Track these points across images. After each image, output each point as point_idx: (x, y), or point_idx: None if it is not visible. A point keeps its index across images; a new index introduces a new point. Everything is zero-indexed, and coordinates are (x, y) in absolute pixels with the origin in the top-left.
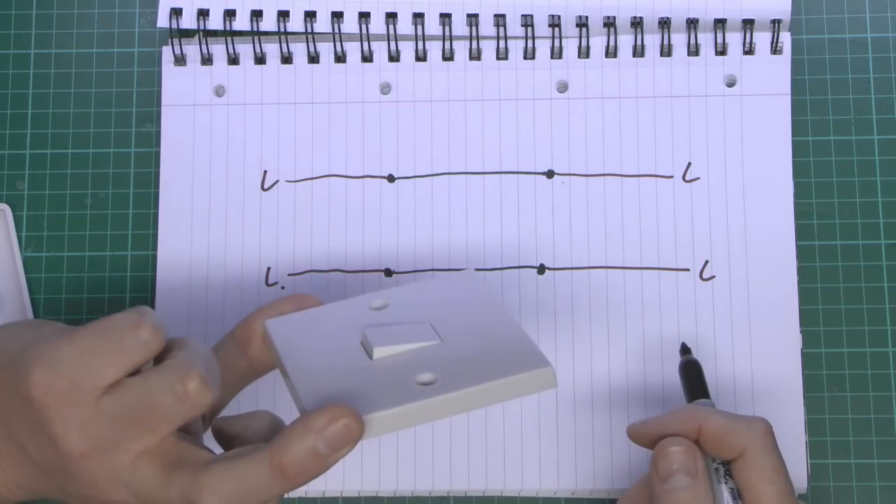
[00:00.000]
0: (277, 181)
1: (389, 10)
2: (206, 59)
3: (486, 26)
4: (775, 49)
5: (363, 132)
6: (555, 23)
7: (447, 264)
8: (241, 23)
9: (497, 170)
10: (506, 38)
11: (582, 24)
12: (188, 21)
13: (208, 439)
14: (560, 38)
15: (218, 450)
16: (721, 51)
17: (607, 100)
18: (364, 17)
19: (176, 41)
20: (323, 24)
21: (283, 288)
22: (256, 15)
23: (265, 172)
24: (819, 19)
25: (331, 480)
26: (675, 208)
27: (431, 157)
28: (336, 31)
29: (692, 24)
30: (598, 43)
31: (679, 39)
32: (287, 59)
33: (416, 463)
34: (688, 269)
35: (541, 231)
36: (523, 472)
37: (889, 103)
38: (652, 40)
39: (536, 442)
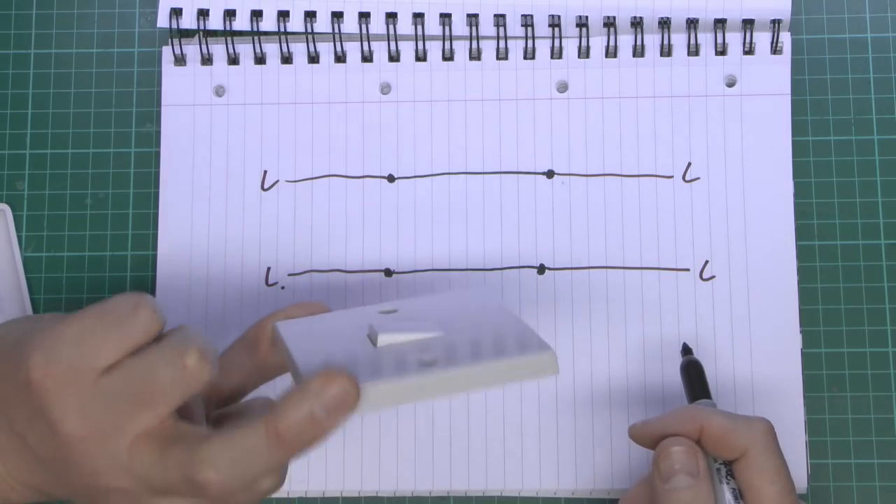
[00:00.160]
0: (277, 181)
1: (389, 10)
2: (206, 59)
3: (486, 26)
4: (775, 49)
5: (363, 132)
6: (555, 23)
7: (447, 264)
8: (241, 23)
9: (497, 170)
10: (506, 38)
11: (582, 24)
12: (188, 21)
13: None
14: (560, 38)
15: None
16: (721, 51)
17: (607, 100)
18: (364, 17)
19: (176, 41)
20: (323, 24)
21: (283, 288)
22: (256, 15)
23: (265, 172)
24: (819, 19)
25: (331, 480)
26: (675, 208)
27: (431, 157)
28: (336, 31)
29: (692, 24)
30: (598, 43)
31: (679, 39)
32: (287, 59)
33: (416, 463)
34: (688, 269)
35: (541, 231)
36: (523, 472)
37: (889, 103)
38: (652, 40)
39: (536, 442)
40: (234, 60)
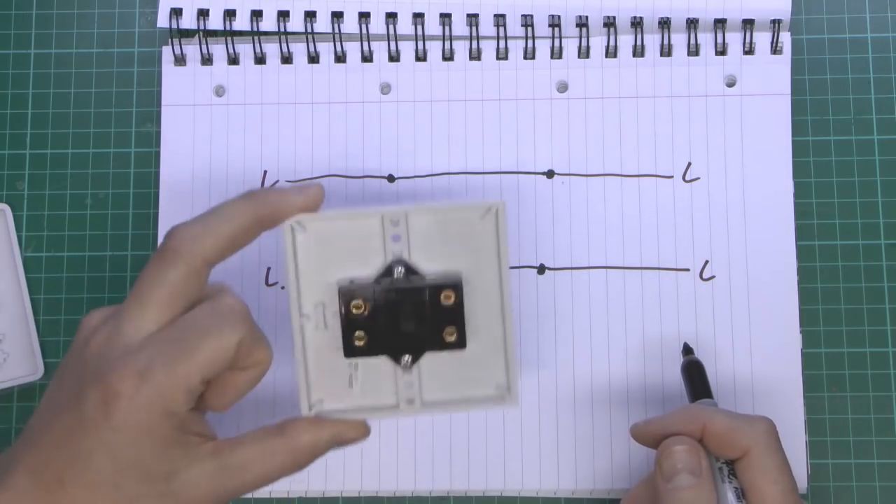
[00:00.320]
0: (277, 181)
1: (389, 10)
2: (206, 59)
3: (486, 26)
4: (775, 49)
5: (363, 132)
6: (555, 23)
7: None
8: (241, 23)
9: (497, 170)
10: (506, 38)
11: (582, 24)
12: (188, 21)
13: None
14: (560, 38)
15: None
16: (721, 51)
17: (607, 100)
18: (364, 17)
19: (176, 41)
20: (323, 24)
21: (283, 288)
22: (256, 15)
23: (265, 172)
24: (819, 19)
25: (331, 480)
26: (675, 208)
27: (431, 157)
28: (336, 31)
29: (692, 24)
30: (598, 43)
31: (679, 39)
32: (287, 59)
33: (416, 463)
34: (688, 269)
35: (541, 231)
36: (523, 472)
37: (889, 103)
38: (652, 40)
39: (536, 442)
40: (234, 60)
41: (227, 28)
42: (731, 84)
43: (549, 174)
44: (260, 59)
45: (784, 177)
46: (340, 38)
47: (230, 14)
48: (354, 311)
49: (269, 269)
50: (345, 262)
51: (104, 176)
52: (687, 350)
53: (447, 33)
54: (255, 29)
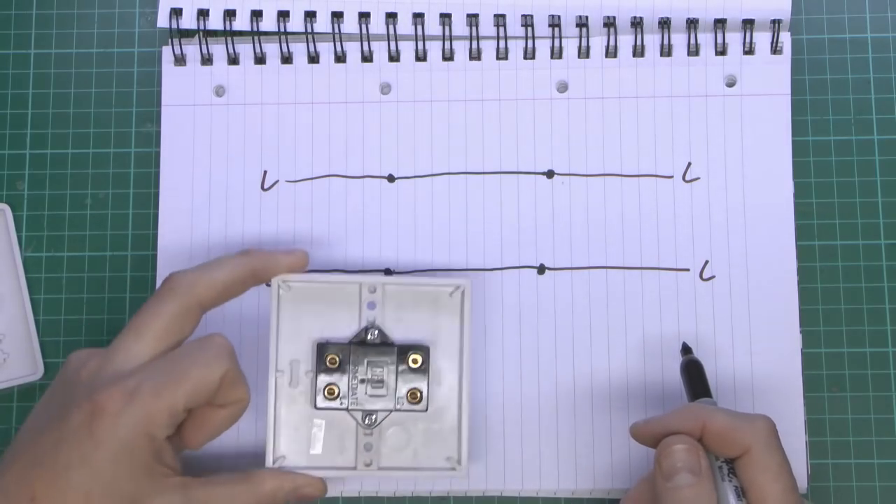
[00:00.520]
0: (277, 181)
1: (389, 10)
2: (206, 59)
3: (486, 26)
4: (775, 49)
5: (363, 132)
6: (555, 23)
7: (447, 264)
8: (241, 23)
9: (497, 170)
10: (506, 38)
11: (582, 24)
12: (188, 21)
13: None
14: (560, 38)
15: None
16: (721, 51)
17: (607, 100)
18: (364, 17)
19: (176, 41)
20: (323, 24)
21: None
22: (256, 15)
23: (265, 172)
24: (819, 19)
25: (331, 481)
26: (675, 208)
27: (431, 157)
28: (336, 31)
29: (692, 24)
30: (598, 43)
31: (679, 39)
32: (287, 59)
33: None
34: (688, 269)
35: (541, 231)
36: (523, 472)
37: (889, 103)
38: (652, 40)
39: (536, 442)
40: (234, 60)
41: (227, 28)
42: (731, 84)
43: (549, 174)
44: (260, 59)
45: (784, 177)
46: (340, 38)
47: (230, 14)
48: (328, 365)
49: None
50: (323, 323)
51: (104, 176)
52: (686, 349)
53: (447, 33)
54: (255, 29)
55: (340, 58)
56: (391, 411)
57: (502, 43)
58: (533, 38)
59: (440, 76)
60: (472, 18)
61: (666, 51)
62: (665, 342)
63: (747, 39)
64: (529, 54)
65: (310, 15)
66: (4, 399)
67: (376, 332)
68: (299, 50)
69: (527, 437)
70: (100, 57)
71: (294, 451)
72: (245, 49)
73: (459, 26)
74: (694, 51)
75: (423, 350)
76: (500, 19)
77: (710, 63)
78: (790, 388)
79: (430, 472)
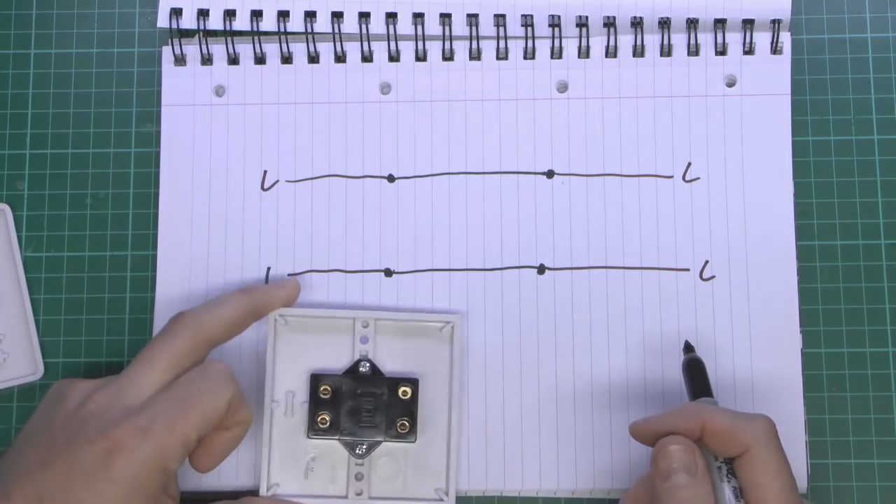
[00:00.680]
0: (277, 181)
1: (389, 10)
2: (206, 59)
3: (486, 26)
4: (775, 49)
5: (363, 132)
6: (555, 23)
7: (447, 264)
8: (241, 23)
9: (497, 170)
10: (506, 38)
11: (582, 24)
12: (188, 21)
13: None
14: (560, 38)
15: None
16: (721, 51)
17: (607, 100)
18: (364, 17)
19: (176, 41)
20: (323, 24)
21: None
22: (256, 15)
23: (265, 172)
24: (819, 19)
25: None
26: (675, 208)
27: (431, 157)
28: (336, 31)
29: (692, 24)
30: (598, 43)
31: (679, 39)
32: (287, 59)
33: None
34: (688, 269)
35: (541, 231)
36: (523, 472)
37: (889, 103)
38: (652, 40)
39: (536, 442)
40: (234, 60)
41: (227, 28)
42: (731, 84)
43: (549, 174)
44: (260, 59)
45: (784, 177)
46: (340, 38)
47: (230, 14)
48: (322, 395)
49: (269, 269)
50: (318, 355)
51: (104, 176)
52: (688, 348)
53: (447, 33)
54: (255, 29)
55: (340, 58)
56: (381, 442)
57: (502, 43)
58: (533, 38)
59: (440, 76)
60: (472, 18)
61: (666, 51)
62: (665, 342)
63: (747, 39)
64: (529, 54)
65: (310, 15)
66: (4, 399)
67: (367, 364)
68: (299, 50)
69: (527, 437)
70: (100, 57)
71: (287, 480)
72: (245, 49)
73: (459, 26)
74: (694, 51)
75: (413, 382)
76: (500, 19)
77: (710, 63)
78: (790, 388)
79: (419, 502)
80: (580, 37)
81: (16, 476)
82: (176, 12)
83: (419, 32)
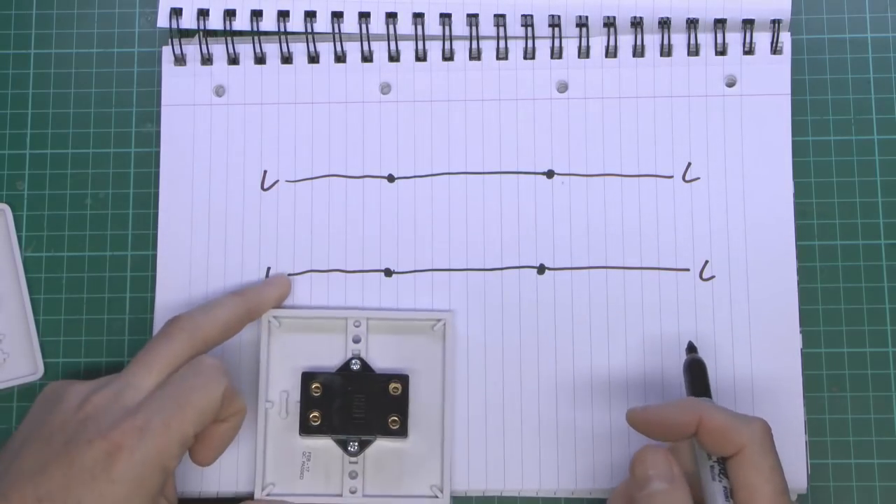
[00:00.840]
0: (277, 181)
1: (389, 10)
2: (206, 59)
3: (486, 26)
4: (775, 49)
5: (363, 132)
6: (555, 23)
7: (447, 264)
8: (241, 23)
9: (497, 170)
10: (506, 38)
11: (582, 24)
12: (188, 21)
13: None
14: (560, 38)
15: None
16: (721, 51)
17: (607, 100)
18: (364, 17)
19: (176, 41)
20: (323, 24)
21: None
22: (256, 15)
23: (265, 172)
24: (819, 19)
25: None
26: (675, 208)
27: (431, 157)
28: (336, 31)
29: (692, 24)
30: (598, 43)
31: (679, 39)
32: (287, 59)
33: None
34: (688, 269)
35: (541, 231)
36: (523, 472)
37: (889, 103)
38: (652, 40)
39: (536, 442)
40: (234, 60)
41: (227, 28)
42: (731, 84)
43: (549, 174)
44: (260, 59)
45: (784, 177)
46: (340, 38)
47: (230, 14)
48: (313, 393)
49: (268, 269)
50: (310, 355)
51: (104, 176)
52: (690, 348)
53: (447, 33)
54: (255, 29)
55: (340, 58)
56: (373, 439)
57: (502, 43)
58: (533, 38)
59: (440, 76)
60: (472, 18)
61: (666, 51)
62: (665, 342)
63: (747, 39)
64: (529, 54)
65: (310, 15)
66: (4, 399)
67: (358, 362)
68: (299, 50)
69: (527, 437)
70: (100, 57)
71: (282, 480)
72: (245, 49)
73: (459, 26)
74: (694, 51)
75: (403, 379)
76: (500, 19)
77: (710, 63)
78: (790, 388)
79: (414, 499)
80: (580, 37)
81: (13, 478)
82: (176, 12)
83: (419, 32)
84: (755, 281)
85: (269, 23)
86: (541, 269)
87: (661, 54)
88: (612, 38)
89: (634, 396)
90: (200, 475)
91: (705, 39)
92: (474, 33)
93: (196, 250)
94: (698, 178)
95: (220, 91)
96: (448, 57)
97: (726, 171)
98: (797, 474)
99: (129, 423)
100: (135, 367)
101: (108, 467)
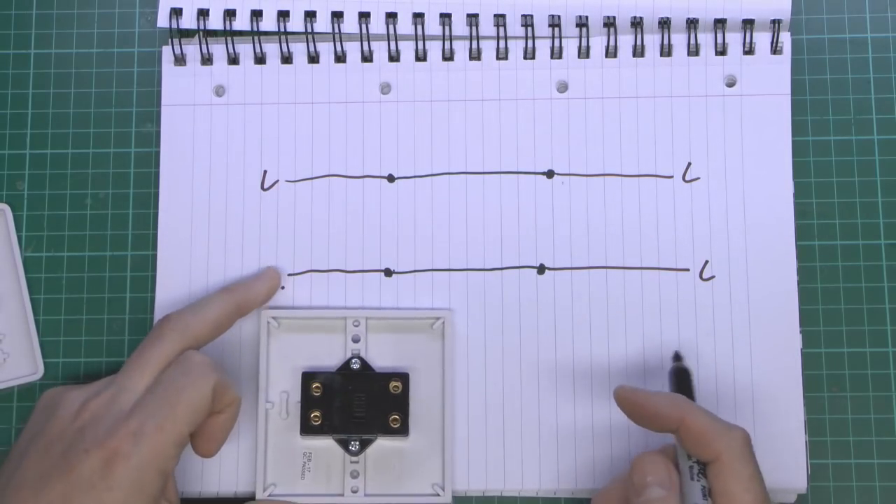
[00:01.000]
0: (277, 181)
1: (389, 10)
2: (206, 59)
3: (486, 26)
4: (775, 49)
5: (363, 132)
6: (555, 23)
7: (447, 264)
8: (241, 23)
9: (497, 170)
10: (506, 38)
11: (582, 24)
12: (188, 21)
13: None
14: (560, 38)
15: None
16: (721, 51)
17: (607, 100)
18: (364, 17)
19: (176, 41)
20: (323, 24)
21: (283, 288)
22: (256, 15)
23: (265, 172)
24: (819, 19)
25: None
26: (675, 208)
27: (431, 157)
28: (336, 31)
29: (692, 24)
30: (598, 43)
31: (679, 39)
32: (287, 59)
33: None
34: (688, 269)
35: (541, 231)
36: (523, 472)
37: (889, 103)
38: (652, 40)
39: (536, 442)
40: (234, 60)
41: (227, 28)
42: (731, 84)
43: (549, 174)
44: (260, 59)
45: (784, 177)
46: (340, 38)
47: (230, 14)
48: (314, 392)
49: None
50: (310, 355)
51: (104, 176)
52: (677, 357)
53: (447, 33)
54: (255, 29)
55: (340, 58)
56: (374, 438)
57: (502, 43)
58: (533, 38)
59: (440, 76)
60: (472, 18)
61: (666, 51)
62: (665, 342)
63: (747, 39)
64: (529, 54)
65: (310, 15)
66: (4, 399)
67: (358, 362)
68: (299, 50)
69: (527, 437)
70: (100, 57)
71: (284, 480)
72: (245, 49)
73: (459, 26)
74: (694, 51)
75: (403, 377)
76: (500, 19)
77: (710, 63)
78: (790, 388)
79: (416, 498)
80: (580, 37)
81: (15, 490)
82: (176, 12)
83: (419, 32)
84: (755, 281)
85: (269, 23)
86: (541, 269)
87: (661, 54)
88: (612, 38)
89: None
90: (200, 475)
91: (705, 39)
92: (474, 33)
93: (196, 250)
94: (698, 178)
95: (220, 91)
96: (448, 57)
97: (726, 171)
98: (797, 474)
99: (123, 428)
100: (128, 370)
101: (106, 475)
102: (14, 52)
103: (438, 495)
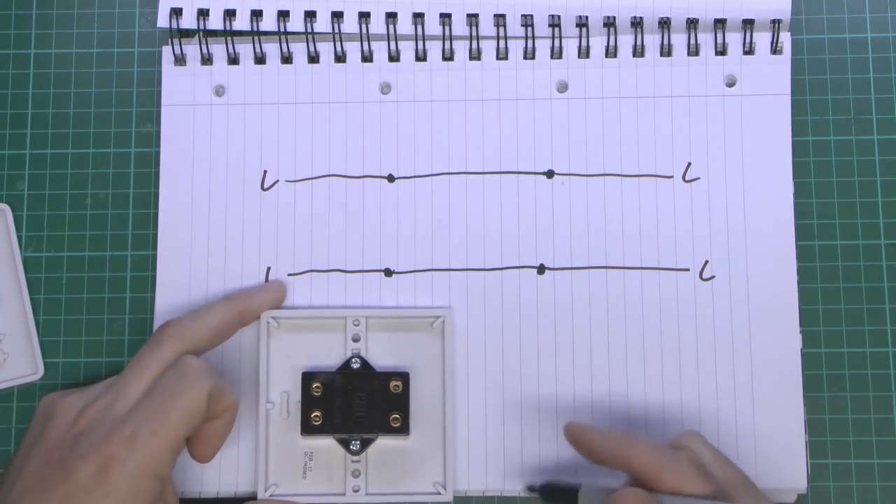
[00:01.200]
0: (277, 181)
1: (389, 10)
2: (206, 59)
3: (486, 26)
4: (775, 49)
5: (363, 132)
6: (555, 23)
7: (447, 264)
8: (241, 23)
9: (497, 170)
10: (506, 38)
11: (582, 24)
12: (188, 21)
13: None
14: (560, 38)
15: None
16: (721, 51)
17: (607, 100)
18: (364, 17)
19: (176, 41)
20: (323, 24)
21: None
22: (256, 15)
23: (265, 172)
24: (819, 19)
25: None
26: (675, 208)
27: (431, 157)
28: (336, 31)
29: (692, 24)
30: (598, 43)
31: (679, 39)
32: (287, 59)
33: None
34: (688, 269)
35: (541, 231)
36: (523, 472)
37: (889, 103)
38: (652, 40)
39: (537, 441)
40: (234, 60)
41: (227, 28)
42: (731, 84)
43: (549, 174)
44: (260, 59)
45: (784, 177)
46: (340, 38)
47: (230, 14)
48: (314, 392)
49: (268, 268)
50: (310, 355)
51: (104, 176)
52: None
53: (447, 33)
54: (255, 29)
55: (340, 58)
56: (375, 437)
57: (502, 43)
58: (533, 38)
59: (440, 76)
60: (472, 18)
61: (666, 51)
62: (665, 342)
63: (747, 39)
64: (529, 54)
65: (310, 15)
66: (4, 399)
67: (358, 361)
68: (299, 50)
69: (527, 437)
70: (100, 57)
71: (285, 480)
72: (245, 49)
73: (459, 26)
74: (694, 51)
75: (403, 376)
76: (500, 19)
77: (710, 63)
78: (790, 388)
79: (417, 496)
80: (580, 37)
81: (16, 497)
82: (176, 12)
83: (419, 32)
84: (755, 281)
85: (269, 23)
86: (541, 269)
87: (661, 54)
88: (612, 38)
89: (634, 395)
90: (200, 476)
91: (705, 39)
92: (474, 33)
93: (196, 250)
94: (698, 179)
95: (220, 91)
96: (448, 57)
97: (726, 171)
98: (797, 474)
99: (118, 434)
100: (126, 375)
101: (102, 480)
102: (14, 52)
103: (440, 494)
